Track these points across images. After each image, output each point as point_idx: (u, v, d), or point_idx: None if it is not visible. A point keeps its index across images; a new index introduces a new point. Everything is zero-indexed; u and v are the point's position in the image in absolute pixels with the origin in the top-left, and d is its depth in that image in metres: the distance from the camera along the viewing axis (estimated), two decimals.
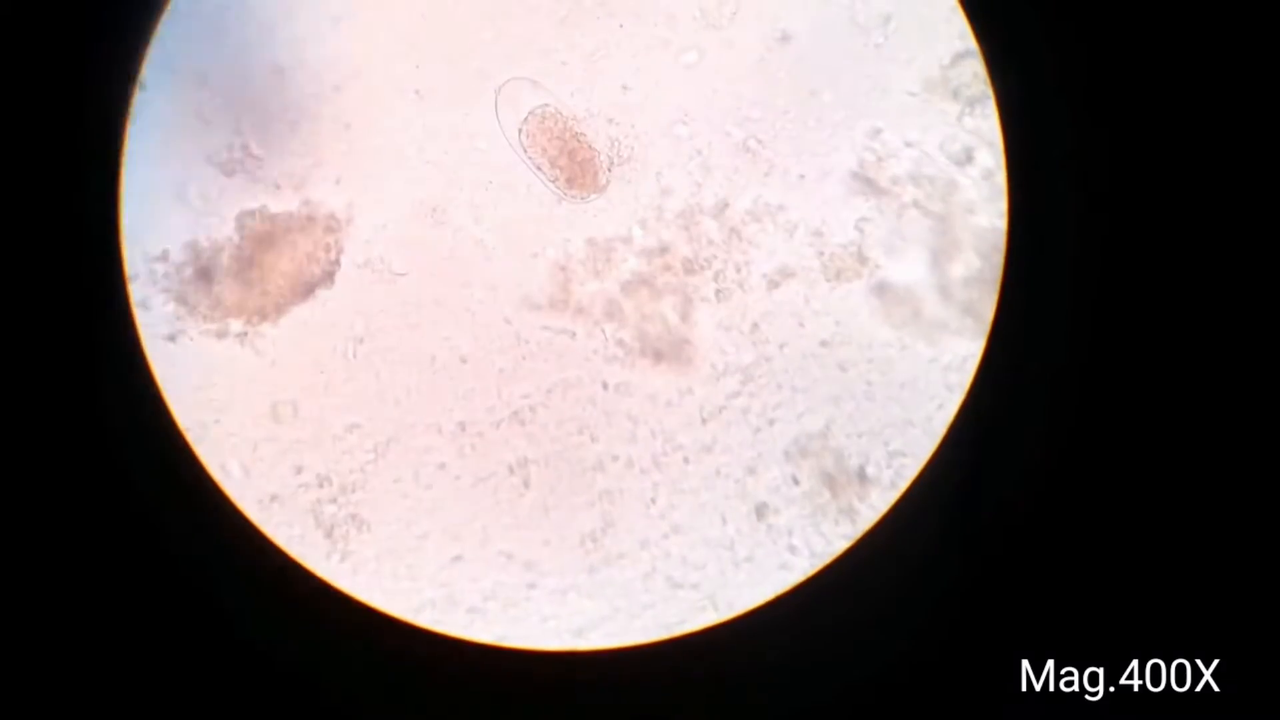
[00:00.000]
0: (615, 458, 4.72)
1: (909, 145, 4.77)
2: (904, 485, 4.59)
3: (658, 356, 4.77)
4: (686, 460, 4.71)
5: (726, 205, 4.80)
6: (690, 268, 4.82)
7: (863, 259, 4.77)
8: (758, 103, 4.80)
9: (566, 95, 4.87)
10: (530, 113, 4.80)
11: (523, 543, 4.68)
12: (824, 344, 4.69)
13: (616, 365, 4.76)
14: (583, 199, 4.82)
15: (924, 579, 4.26)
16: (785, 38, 4.83)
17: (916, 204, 4.75)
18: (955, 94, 4.77)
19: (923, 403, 4.68)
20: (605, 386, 4.71)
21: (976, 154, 4.77)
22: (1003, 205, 4.59)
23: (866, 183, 4.76)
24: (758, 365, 4.75)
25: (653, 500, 4.70)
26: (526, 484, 4.69)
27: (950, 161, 4.75)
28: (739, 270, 4.80)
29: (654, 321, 4.80)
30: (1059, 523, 4.14)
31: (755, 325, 4.77)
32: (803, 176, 4.79)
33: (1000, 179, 4.68)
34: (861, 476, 4.64)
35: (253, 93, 4.77)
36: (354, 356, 4.62)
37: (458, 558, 4.64)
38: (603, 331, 4.78)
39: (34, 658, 3.98)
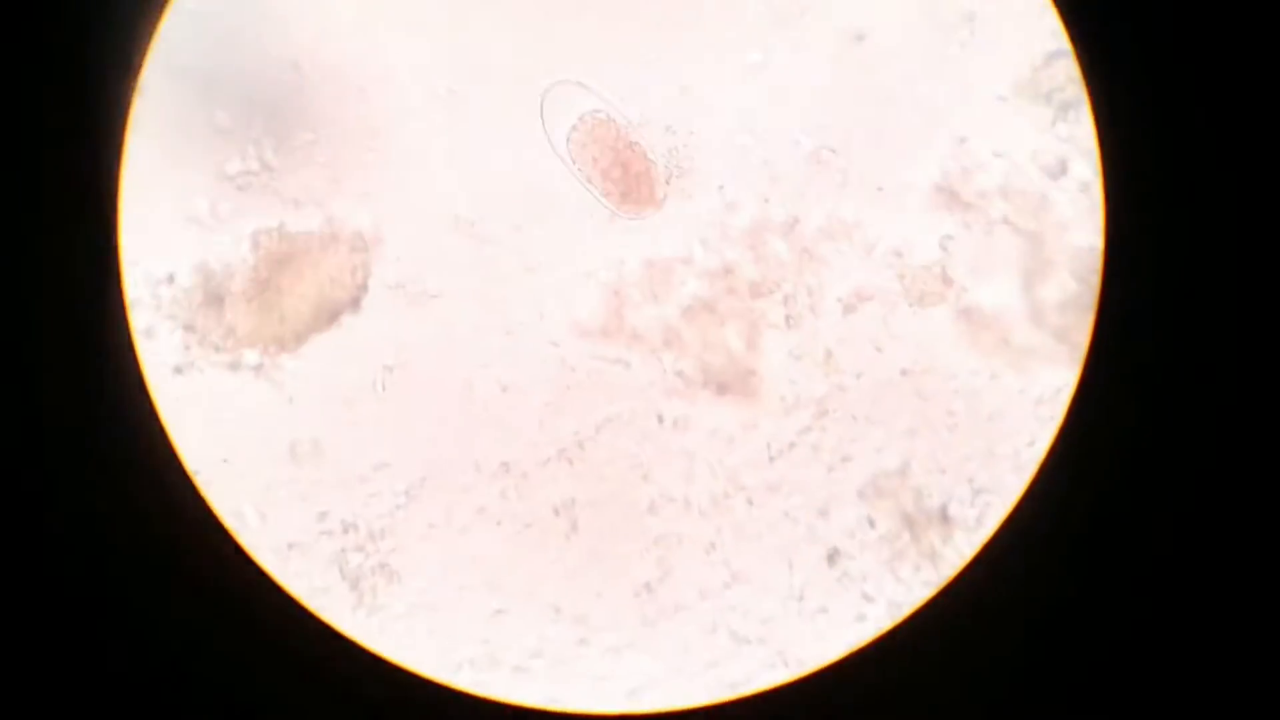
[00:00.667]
0: (671, 499, 4.30)
1: (997, 155, 4.36)
2: (990, 526, 4.19)
3: (721, 388, 4.32)
4: (750, 502, 4.30)
5: (797, 222, 4.38)
6: (757, 291, 4.38)
7: (947, 280, 4.38)
8: (829, 108, 4.40)
9: (618, 100, 4.43)
10: (580, 119, 4.36)
11: (572, 594, 4.25)
12: (904, 373, 4.28)
13: (675, 398, 4.32)
14: (638, 215, 4.35)
15: (1012, 631, 3.82)
16: (860, 36, 4.43)
17: (1006, 220, 4.32)
18: (1047, 98, 4.36)
19: (1010, 437, 4.28)
20: (661, 421, 4.29)
21: (1071, 165, 4.36)
22: (1099, 221, 4.17)
23: (951, 196, 4.36)
24: (831, 397, 4.34)
25: (713, 545, 4.28)
26: (574, 528, 4.26)
27: (1043, 173, 4.33)
28: (810, 294, 4.37)
29: (717, 350, 4.36)
30: (1158, 567, 3.75)
31: (829, 353, 4.33)
32: (880, 189, 4.36)
33: (1097, 192, 4.27)
34: (944, 517, 4.24)
35: (268, 96, 4.31)
36: (383, 388, 4.17)
37: (499, 611, 4.21)
38: (660, 361, 4.31)
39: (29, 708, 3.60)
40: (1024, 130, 4.41)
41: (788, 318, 4.38)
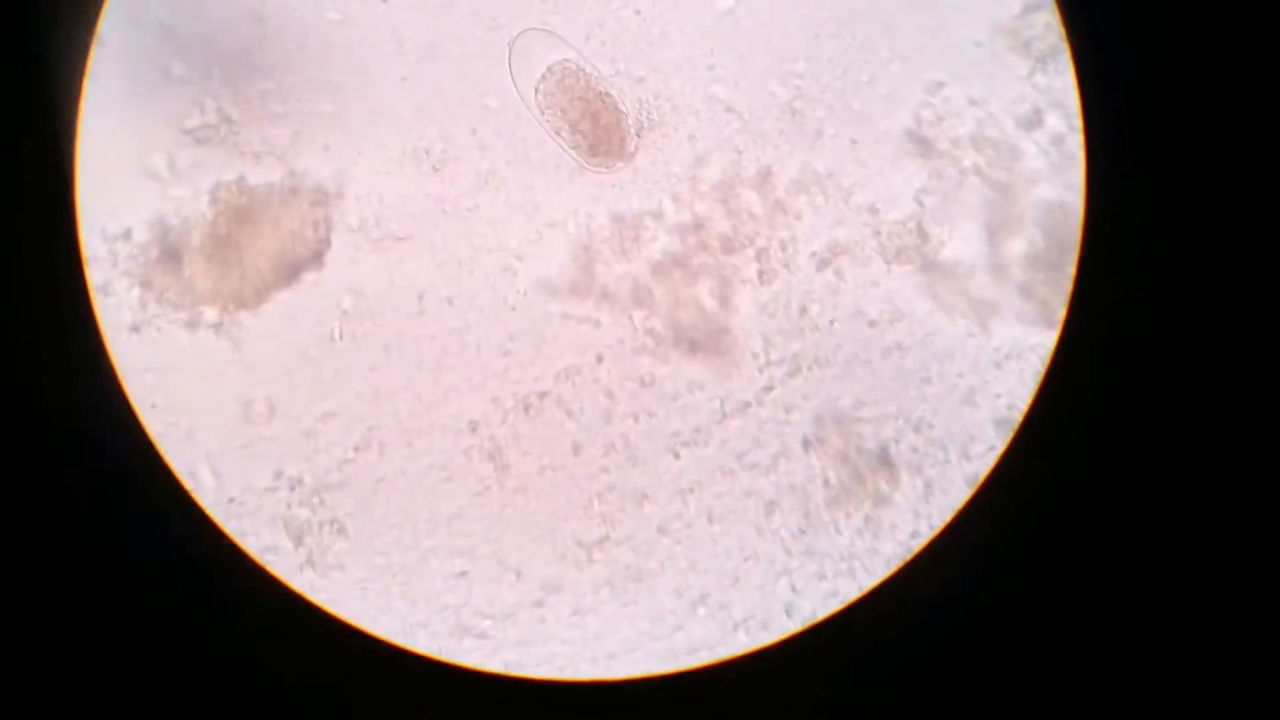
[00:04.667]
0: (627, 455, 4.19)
1: (973, 104, 4.22)
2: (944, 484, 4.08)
3: (693, 346, 4.21)
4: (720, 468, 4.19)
5: (770, 174, 4.25)
6: (729, 246, 4.27)
7: (924, 235, 4.24)
8: (803, 55, 4.26)
9: (588, 49, 4.30)
10: (549, 69, 4.23)
11: (527, 555, 4.15)
12: (872, 324, 4.17)
13: (646, 356, 4.21)
14: (607, 168, 4.25)
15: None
16: None
17: (978, 170, 4.19)
18: (1026, 47, 4.24)
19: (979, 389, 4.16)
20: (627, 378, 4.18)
21: (1046, 117, 4.24)
22: (1075, 176, 4.05)
23: (923, 144, 4.22)
24: (804, 353, 4.23)
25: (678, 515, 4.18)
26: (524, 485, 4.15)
27: (1017, 124, 4.21)
28: (784, 248, 4.25)
29: (688, 307, 4.26)
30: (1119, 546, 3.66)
31: (804, 309, 4.23)
32: (855, 142, 4.22)
33: (1071, 146, 4.18)
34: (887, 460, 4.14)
35: (228, 45, 4.16)
36: (339, 337, 4.04)
37: (462, 574, 4.12)
38: (630, 319, 4.20)
39: None
40: (1001, 79, 4.27)
41: (761, 273, 4.24)
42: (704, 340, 4.25)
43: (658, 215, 4.29)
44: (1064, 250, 4.12)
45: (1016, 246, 4.19)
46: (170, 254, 4.08)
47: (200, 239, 4.10)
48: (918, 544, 4.06)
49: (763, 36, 4.29)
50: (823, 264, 4.25)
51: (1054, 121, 4.26)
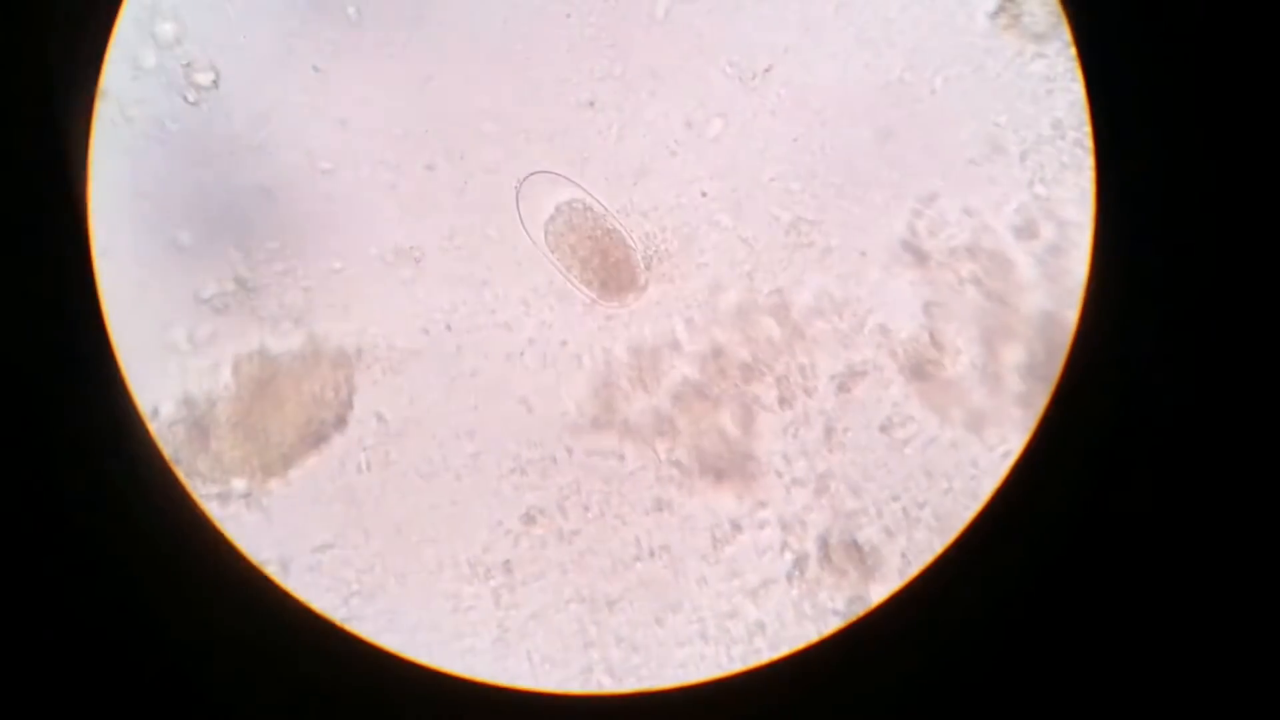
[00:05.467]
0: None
1: (967, 214, 4.29)
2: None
3: (719, 475, 4.26)
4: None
5: (784, 300, 4.30)
6: (749, 373, 4.32)
7: (940, 346, 4.29)
8: (798, 173, 4.35)
9: (595, 188, 4.36)
10: (557, 209, 4.31)
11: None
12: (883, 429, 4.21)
13: (672, 487, 4.25)
14: (619, 302, 4.32)
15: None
16: (820, 107, 4.36)
17: (975, 280, 4.28)
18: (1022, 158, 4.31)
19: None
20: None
21: (1042, 227, 4.35)
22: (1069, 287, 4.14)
23: (918, 255, 4.28)
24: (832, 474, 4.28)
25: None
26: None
27: (1011, 233, 4.28)
28: (804, 374, 4.31)
29: (711, 435, 4.30)
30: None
31: (829, 431, 4.28)
32: (864, 254, 4.31)
33: (1066, 256, 4.25)
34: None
35: (234, 212, 4.18)
36: (367, 468, 4.06)
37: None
38: (654, 450, 4.25)
39: None
40: (996, 190, 4.34)
41: (781, 399, 4.29)
42: (728, 468, 4.28)
43: (674, 345, 4.30)
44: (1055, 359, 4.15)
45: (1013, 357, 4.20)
46: (197, 429, 4.08)
47: (225, 411, 4.10)
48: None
49: (757, 155, 4.33)
50: (843, 388, 4.27)
51: (1049, 231, 4.29)
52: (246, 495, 4.15)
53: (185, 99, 4.23)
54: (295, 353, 4.22)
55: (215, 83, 4.24)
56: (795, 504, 4.30)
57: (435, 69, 4.34)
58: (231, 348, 4.21)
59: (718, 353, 4.36)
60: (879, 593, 4.23)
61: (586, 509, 4.28)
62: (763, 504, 4.29)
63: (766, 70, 4.38)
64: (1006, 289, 4.36)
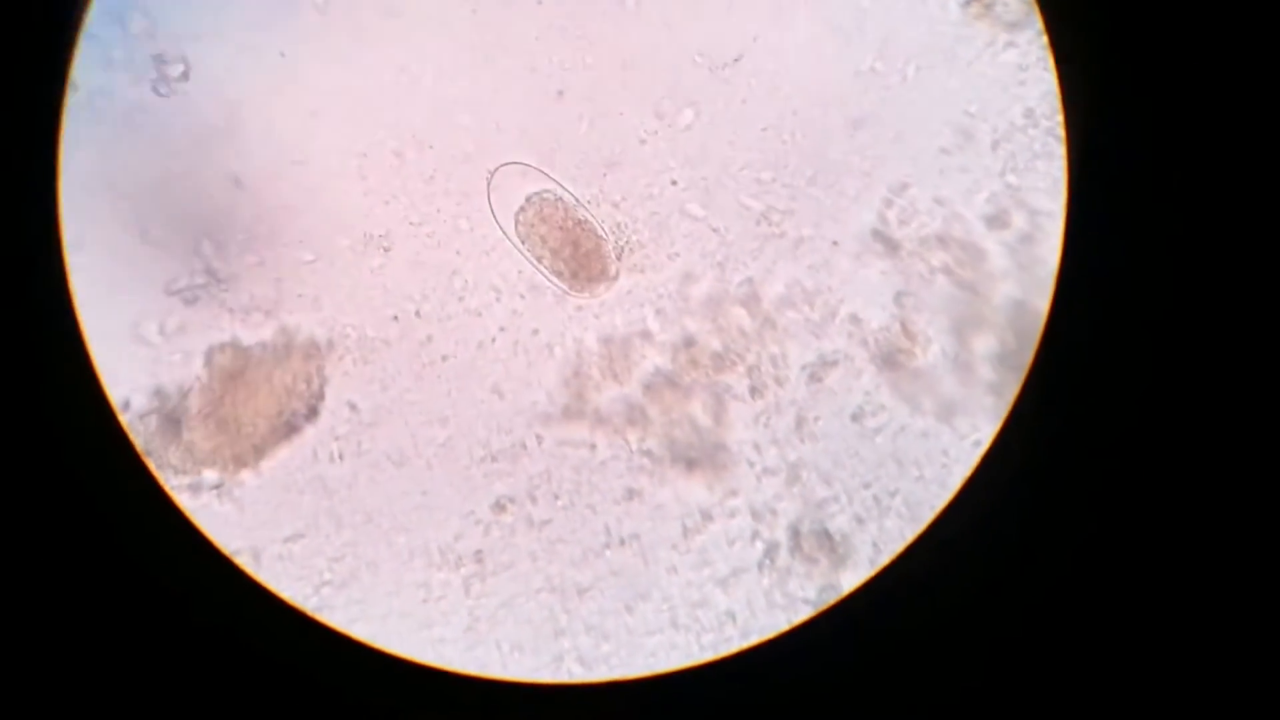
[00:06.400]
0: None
1: (938, 203, 4.27)
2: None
3: (690, 464, 4.25)
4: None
5: (755, 290, 4.29)
6: (721, 363, 4.31)
7: (911, 335, 4.28)
8: (768, 164, 4.30)
9: (565, 178, 4.35)
10: (527, 200, 4.29)
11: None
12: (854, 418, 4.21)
13: (644, 476, 4.25)
14: (590, 294, 4.30)
15: None
16: (790, 96, 4.34)
17: (946, 269, 4.26)
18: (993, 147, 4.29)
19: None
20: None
21: (1013, 217, 4.32)
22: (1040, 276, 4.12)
23: (889, 244, 4.27)
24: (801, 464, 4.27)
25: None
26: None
27: (983, 223, 4.26)
28: (775, 364, 4.30)
29: (682, 425, 4.29)
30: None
31: (800, 420, 4.27)
32: (836, 244, 4.29)
33: (1037, 246, 4.23)
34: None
35: (211, 207, 4.19)
36: (340, 457, 4.05)
37: None
38: (626, 439, 4.25)
39: None
40: (967, 179, 4.33)
41: (752, 389, 4.29)
42: (700, 458, 4.27)
43: (646, 335, 4.30)
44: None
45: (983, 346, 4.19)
46: (169, 420, 4.08)
47: (197, 403, 4.10)
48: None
49: (725, 149, 4.29)
50: (814, 378, 4.26)
51: (1020, 221, 4.27)
52: (218, 486, 4.13)
53: (156, 91, 4.21)
54: (267, 344, 4.20)
55: (185, 74, 4.22)
56: (766, 493, 4.28)
57: (406, 59, 4.31)
58: (203, 339, 4.20)
59: (689, 342, 4.35)
60: (850, 581, 4.21)
61: (557, 497, 4.27)
62: (734, 493, 4.27)
63: (736, 60, 4.35)
64: (978, 278, 4.34)
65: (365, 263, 4.30)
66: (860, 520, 4.28)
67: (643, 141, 4.37)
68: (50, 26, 3.91)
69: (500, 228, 4.36)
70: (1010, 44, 4.36)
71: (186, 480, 4.14)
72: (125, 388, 4.15)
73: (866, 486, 4.28)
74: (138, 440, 4.12)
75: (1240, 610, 3.59)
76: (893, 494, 4.27)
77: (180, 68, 4.20)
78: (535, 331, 4.31)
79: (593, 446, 4.29)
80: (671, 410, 4.34)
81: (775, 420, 4.33)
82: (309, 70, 4.27)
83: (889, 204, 4.37)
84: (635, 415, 4.34)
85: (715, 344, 4.35)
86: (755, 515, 4.29)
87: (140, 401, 4.17)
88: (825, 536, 4.28)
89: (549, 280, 4.35)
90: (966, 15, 4.38)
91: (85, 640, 3.51)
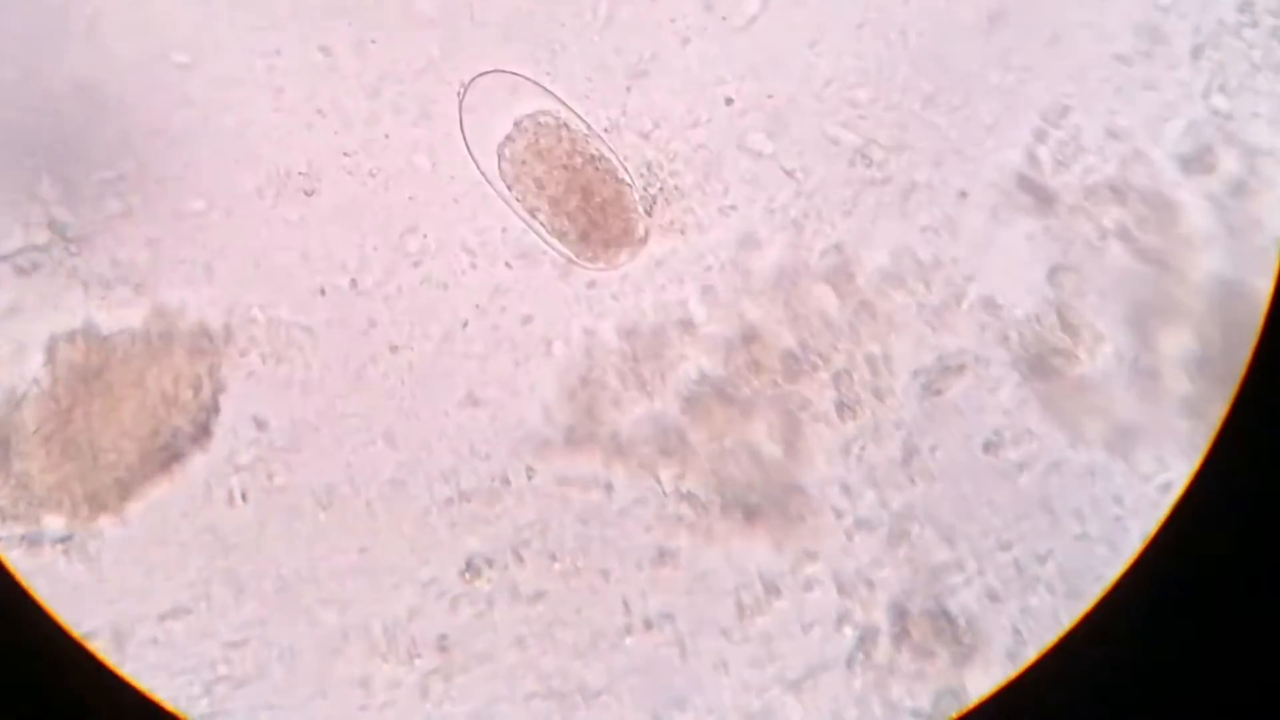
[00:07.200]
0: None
1: (1113, 137, 3.42)
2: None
3: (750, 513, 3.36)
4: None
5: (847, 260, 3.41)
6: (795, 367, 3.42)
7: (1070, 329, 3.39)
8: (867, 77, 3.44)
9: (573, 94, 3.40)
10: (517, 125, 3.35)
11: None
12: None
13: (681, 530, 3.38)
14: (607, 262, 3.35)
15: None
16: None
17: (1123, 234, 3.43)
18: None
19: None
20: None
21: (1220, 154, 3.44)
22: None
23: (1041, 197, 3.45)
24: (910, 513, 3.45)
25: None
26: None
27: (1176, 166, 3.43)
28: (874, 369, 3.46)
29: (739, 458, 3.41)
30: None
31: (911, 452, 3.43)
32: (964, 194, 3.41)
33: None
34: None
35: (57, 131, 3.29)
36: (242, 498, 3.30)
37: None
38: (656, 477, 3.38)
39: None
40: (1155, 100, 3.44)
41: (841, 405, 3.39)
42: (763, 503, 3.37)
43: (687, 325, 3.40)
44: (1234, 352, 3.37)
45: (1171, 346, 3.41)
46: None
47: (35, 417, 3.18)
48: None
49: (806, 52, 3.41)
50: (930, 391, 3.46)
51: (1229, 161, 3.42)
52: (66, 539, 3.30)
53: None
54: (136, 332, 3.33)
55: None
56: (860, 556, 3.44)
57: None
58: (43, 325, 3.32)
59: (749, 337, 3.51)
60: (980, 685, 3.42)
61: (555, 559, 3.43)
62: (812, 555, 3.45)
63: None
64: (1168, 246, 3.49)
65: (278, 212, 3.48)
66: (995, 597, 3.45)
67: (685, 40, 3.45)
68: None
69: (477, 165, 3.44)
70: None
71: (19, 529, 3.27)
72: None
73: (1005, 548, 3.45)
74: None
75: None
76: (1042, 559, 3.45)
77: None
78: (527, 319, 3.49)
79: (608, 487, 3.47)
80: (723, 435, 3.48)
81: (873, 451, 3.50)
82: None
83: (1041, 137, 3.51)
84: (671, 442, 3.50)
85: (788, 339, 3.50)
86: (843, 589, 3.46)
87: None
88: (944, 619, 3.51)
89: (547, 243, 3.44)
90: None
91: None
